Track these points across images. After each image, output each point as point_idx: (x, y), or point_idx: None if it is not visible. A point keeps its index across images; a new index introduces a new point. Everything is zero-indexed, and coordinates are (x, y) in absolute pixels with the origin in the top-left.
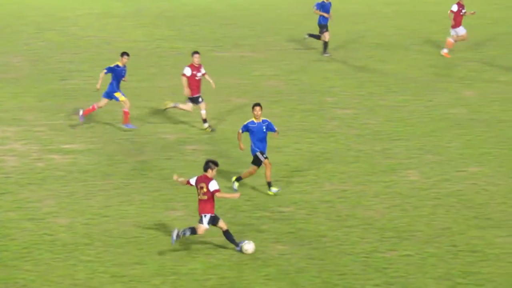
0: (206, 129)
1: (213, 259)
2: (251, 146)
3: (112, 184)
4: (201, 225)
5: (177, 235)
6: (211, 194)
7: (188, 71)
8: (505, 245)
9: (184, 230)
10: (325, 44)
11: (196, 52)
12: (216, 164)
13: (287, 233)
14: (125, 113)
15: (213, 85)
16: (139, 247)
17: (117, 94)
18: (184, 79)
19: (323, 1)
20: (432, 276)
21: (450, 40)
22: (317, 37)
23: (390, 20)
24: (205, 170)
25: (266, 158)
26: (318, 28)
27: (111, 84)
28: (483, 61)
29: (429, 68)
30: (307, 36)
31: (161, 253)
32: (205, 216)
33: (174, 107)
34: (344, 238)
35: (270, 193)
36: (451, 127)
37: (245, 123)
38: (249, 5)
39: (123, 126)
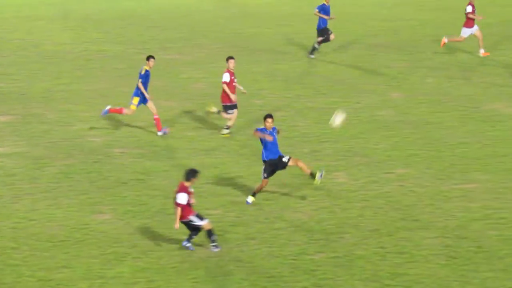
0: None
1: (141, 262)
2: (263, 154)
3: (39, 188)
4: (201, 224)
5: (216, 247)
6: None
7: (227, 77)
8: (432, 246)
9: (212, 240)
10: (319, 43)
11: (232, 57)
12: (196, 173)
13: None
14: (120, 111)
15: (245, 91)
16: (66, 250)
17: (134, 100)
18: (226, 86)
19: (323, 4)
20: (360, 278)
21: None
22: (318, 45)
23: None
24: (187, 179)
25: (266, 177)
26: (316, 32)
27: (137, 87)
28: (410, 63)
29: (357, 70)
30: (312, 56)
31: (88, 256)
32: (192, 220)
33: (218, 113)
34: (272, 240)
35: (248, 199)
36: (378, 129)
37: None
38: (176, 7)
39: (101, 114)
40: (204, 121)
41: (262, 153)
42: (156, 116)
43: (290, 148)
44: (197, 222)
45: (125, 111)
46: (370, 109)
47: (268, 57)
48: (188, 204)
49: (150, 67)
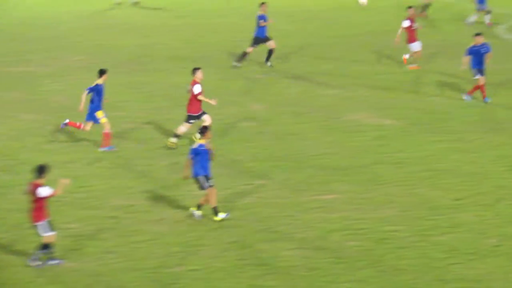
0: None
1: None
2: (198, 170)
3: None
4: (44, 235)
5: (37, 260)
6: (42, 200)
7: (199, 88)
8: (292, 257)
9: (37, 253)
10: (271, 51)
11: (198, 68)
12: (46, 168)
13: (73, 250)
14: (106, 135)
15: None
16: None
17: (99, 114)
18: (202, 97)
19: (263, 14)
20: None
21: (405, 56)
22: (244, 55)
23: (178, 32)
24: (39, 176)
25: (211, 185)
26: (252, 41)
27: (92, 103)
28: (272, 74)
29: (218, 81)
30: (237, 64)
31: None
32: (40, 225)
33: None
34: (131, 253)
35: (216, 218)
36: (240, 141)
37: (194, 147)
38: (36, 19)
39: (101, 149)
40: (63, 134)
41: (197, 169)
42: (81, 127)
43: (149, 160)
44: (41, 231)
45: (106, 131)
46: (231, 120)
47: (129, 68)
48: (44, 206)
49: (102, 81)
